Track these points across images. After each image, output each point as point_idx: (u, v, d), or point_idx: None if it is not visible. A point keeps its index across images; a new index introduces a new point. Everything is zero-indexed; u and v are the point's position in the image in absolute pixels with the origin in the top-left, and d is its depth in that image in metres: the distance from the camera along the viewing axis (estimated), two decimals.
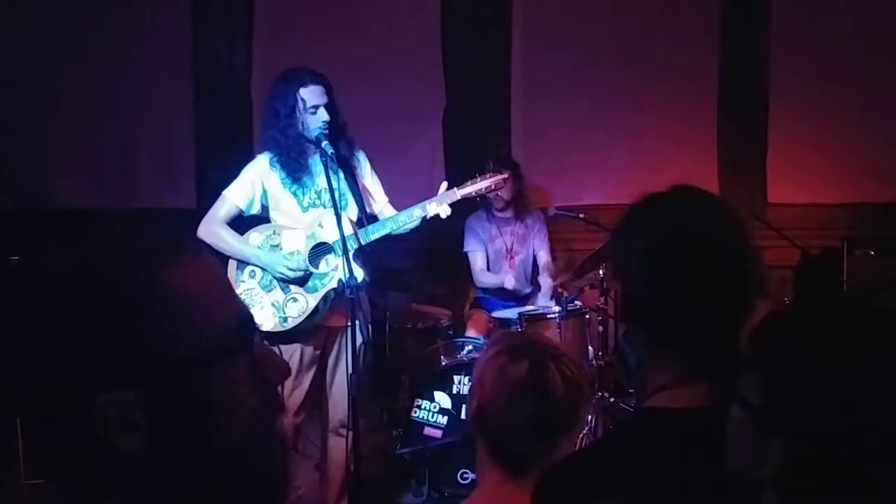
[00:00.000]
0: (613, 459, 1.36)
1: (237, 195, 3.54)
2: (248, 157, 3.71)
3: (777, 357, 1.03)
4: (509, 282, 4.88)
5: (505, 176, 3.69)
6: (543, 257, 5.06)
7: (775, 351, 1.04)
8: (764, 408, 1.01)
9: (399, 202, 3.67)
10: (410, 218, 3.47)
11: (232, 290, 0.94)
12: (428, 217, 3.47)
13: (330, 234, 3.48)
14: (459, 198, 3.52)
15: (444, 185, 3.55)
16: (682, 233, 1.35)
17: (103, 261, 0.85)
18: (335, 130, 3.45)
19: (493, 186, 3.59)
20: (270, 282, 3.50)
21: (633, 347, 1.42)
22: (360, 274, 3.22)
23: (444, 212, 3.48)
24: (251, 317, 0.92)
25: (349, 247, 3.25)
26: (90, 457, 0.82)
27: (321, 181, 3.51)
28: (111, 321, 0.81)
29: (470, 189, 3.55)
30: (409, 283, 5.00)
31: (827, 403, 0.96)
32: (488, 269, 5.06)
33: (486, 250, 5.05)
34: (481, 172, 3.62)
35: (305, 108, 3.42)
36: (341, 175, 3.42)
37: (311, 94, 3.42)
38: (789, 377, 1.00)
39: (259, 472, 0.89)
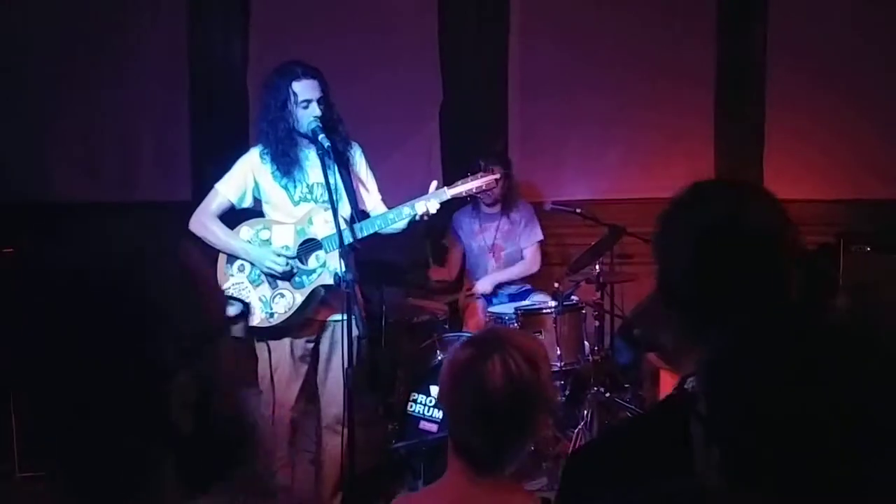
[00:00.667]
0: (644, 441, 1.38)
1: (229, 188, 3.54)
2: (244, 150, 3.71)
3: (717, 366, 1.04)
4: (482, 286, 4.90)
5: (497, 176, 3.69)
6: (527, 254, 5.04)
7: (717, 359, 1.05)
8: (708, 417, 1.02)
9: (395, 197, 3.66)
10: (400, 216, 3.46)
11: (215, 273, 1.00)
12: (417, 216, 3.45)
13: (319, 230, 3.48)
14: (449, 197, 3.51)
15: (434, 183, 3.54)
16: (731, 224, 1.37)
17: (123, 256, 0.90)
18: (329, 125, 3.44)
19: (484, 186, 3.58)
20: (259, 276, 3.50)
21: (668, 331, 1.43)
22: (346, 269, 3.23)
23: (433, 208, 3.47)
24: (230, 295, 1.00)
25: (342, 241, 3.25)
26: (147, 445, 0.86)
27: (313, 175, 3.51)
28: (143, 312, 0.86)
29: (460, 189, 3.54)
30: (405, 277, 5.00)
31: (765, 417, 0.96)
32: (470, 263, 5.07)
33: (469, 246, 5.05)
34: (472, 172, 3.60)
35: (297, 103, 3.42)
36: (336, 169, 3.41)
37: (303, 89, 3.42)
38: (734, 388, 1.00)
39: (241, 437, 0.95)
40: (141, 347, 0.84)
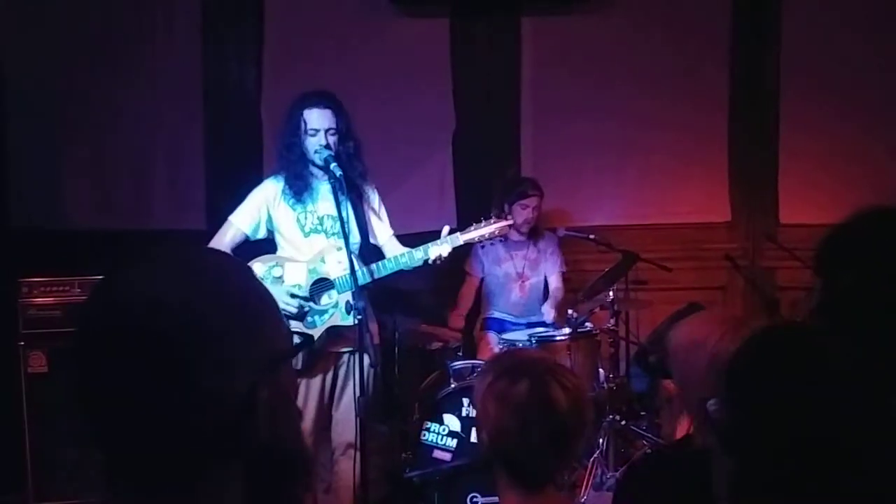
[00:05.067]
0: (698, 457, 1.40)
1: (243, 220, 3.55)
2: (259, 178, 3.73)
3: (738, 380, 1.05)
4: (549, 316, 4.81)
5: (510, 222, 3.70)
6: (553, 282, 5.02)
7: (737, 374, 1.04)
8: (726, 428, 1.04)
9: (409, 224, 3.67)
10: (413, 259, 3.47)
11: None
12: (430, 260, 3.46)
13: (332, 270, 3.48)
14: (462, 243, 3.51)
15: (447, 228, 3.53)
16: None
17: (205, 280, 0.92)
18: (344, 156, 3.46)
19: (497, 233, 3.57)
20: None
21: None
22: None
23: (446, 252, 3.47)
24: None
25: (354, 279, 3.26)
26: (217, 459, 0.89)
27: (323, 207, 3.52)
28: (228, 334, 0.89)
29: (473, 234, 3.54)
30: (419, 305, 4.99)
31: (780, 426, 0.97)
32: (490, 291, 5.04)
33: (492, 273, 5.03)
34: (486, 217, 3.58)
35: (306, 130, 3.46)
36: (348, 202, 3.42)
37: (312, 117, 3.45)
38: (748, 400, 1.01)
39: (299, 460, 0.99)
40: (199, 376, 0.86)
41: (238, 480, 0.90)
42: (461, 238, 3.50)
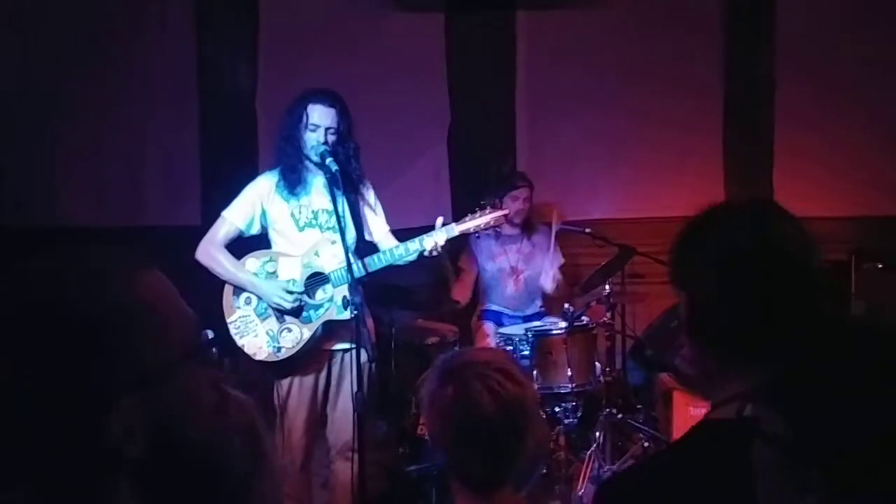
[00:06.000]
0: (677, 471, 1.35)
1: (237, 216, 3.54)
2: (254, 174, 3.71)
3: (799, 389, 1.01)
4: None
5: (505, 212, 3.66)
6: (555, 276, 4.99)
7: (795, 383, 1.02)
8: (793, 440, 0.98)
9: (404, 220, 3.66)
10: (407, 252, 3.45)
11: (182, 301, 1.00)
12: (425, 252, 3.44)
13: (327, 264, 3.47)
14: (457, 234, 3.49)
15: (440, 220, 3.50)
16: (760, 246, 1.33)
17: (74, 279, 0.89)
18: (340, 157, 3.44)
19: (492, 223, 3.55)
20: (266, 309, 3.48)
21: (696, 358, 1.40)
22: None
23: (441, 241, 3.44)
24: (199, 320, 0.99)
25: (350, 273, 3.25)
26: (94, 466, 0.85)
27: (318, 201, 3.51)
28: (97, 338, 0.85)
29: (469, 225, 3.51)
30: (415, 299, 4.98)
31: (860, 430, 0.94)
32: (485, 285, 5.04)
33: (485, 268, 5.03)
34: (481, 207, 3.56)
35: (306, 125, 3.44)
36: (343, 196, 3.41)
37: (315, 113, 3.44)
38: (816, 407, 0.98)
39: (223, 468, 0.93)
40: (80, 374, 0.84)
41: (127, 492, 0.86)
42: (456, 228, 3.48)
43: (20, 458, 0.86)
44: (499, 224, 3.67)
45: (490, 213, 3.53)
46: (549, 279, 4.84)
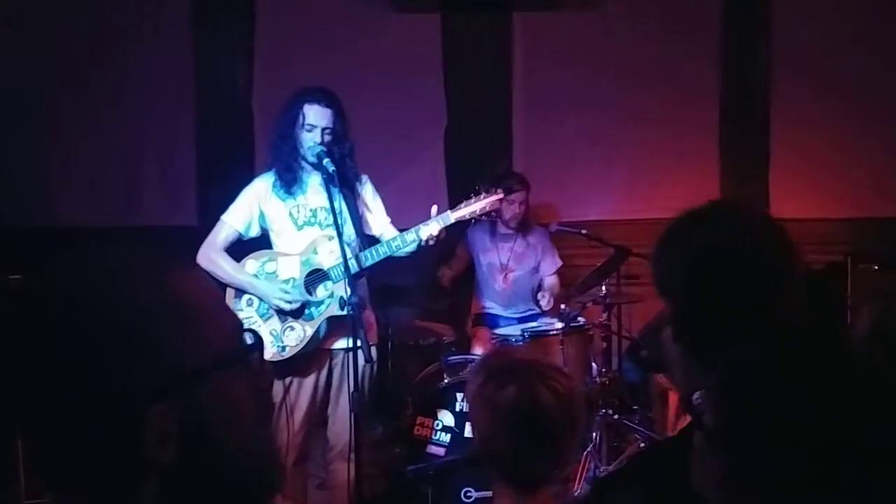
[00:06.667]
0: (659, 470, 1.39)
1: (235, 219, 3.54)
2: (250, 174, 3.71)
3: (727, 380, 1.04)
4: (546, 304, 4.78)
5: (500, 196, 3.61)
6: (550, 280, 5.00)
7: (727, 375, 1.05)
8: (714, 428, 1.03)
9: (402, 220, 3.66)
10: (405, 242, 3.45)
11: (225, 303, 0.98)
12: (422, 241, 3.43)
13: (325, 260, 3.47)
14: (453, 221, 3.47)
15: (435, 208, 3.50)
16: (727, 248, 1.34)
17: (110, 279, 0.86)
18: (338, 156, 3.44)
19: (487, 208, 3.52)
20: (268, 310, 3.48)
21: (676, 360, 1.41)
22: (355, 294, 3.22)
23: (437, 230, 3.43)
24: (244, 326, 0.95)
25: (347, 271, 3.25)
26: (123, 471, 0.83)
27: (315, 199, 3.51)
28: (130, 340, 0.83)
29: (464, 211, 3.50)
30: (412, 300, 4.99)
31: (773, 429, 0.97)
32: (480, 279, 5.04)
33: (479, 261, 5.03)
34: (476, 193, 3.54)
35: (302, 124, 3.43)
36: (341, 195, 3.41)
37: (311, 113, 3.43)
38: (738, 401, 1.00)
39: (258, 479, 0.92)
40: (113, 378, 0.81)
41: (145, 492, 0.84)
42: (452, 216, 3.46)
43: (53, 464, 0.84)
44: (494, 209, 3.62)
45: (485, 197, 3.52)
46: (545, 297, 4.79)
